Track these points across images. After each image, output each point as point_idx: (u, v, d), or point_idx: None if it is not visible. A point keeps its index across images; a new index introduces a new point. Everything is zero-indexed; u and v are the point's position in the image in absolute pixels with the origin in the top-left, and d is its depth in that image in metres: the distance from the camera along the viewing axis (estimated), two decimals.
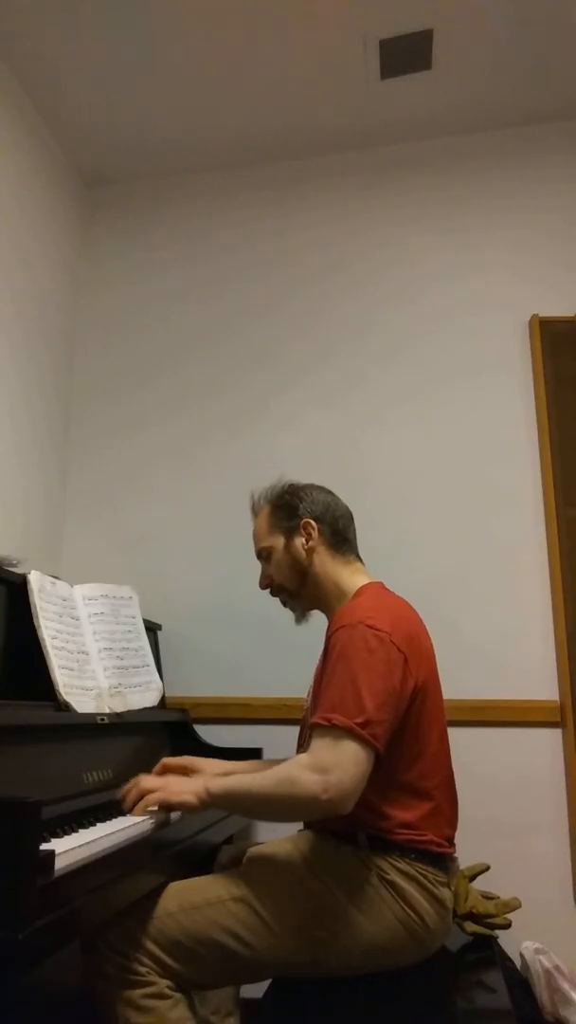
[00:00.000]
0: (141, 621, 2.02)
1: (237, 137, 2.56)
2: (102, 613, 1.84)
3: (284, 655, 2.04)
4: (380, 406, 2.39)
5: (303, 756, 1.20)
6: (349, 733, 1.16)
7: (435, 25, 2.13)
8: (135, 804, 1.28)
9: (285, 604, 1.56)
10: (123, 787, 1.33)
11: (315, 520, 1.49)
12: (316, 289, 2.53)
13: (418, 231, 2.50)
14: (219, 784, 1.25)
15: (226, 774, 1.47)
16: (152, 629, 2.17)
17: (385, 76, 2.30)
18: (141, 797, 1.28)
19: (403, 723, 1.27)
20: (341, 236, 2.56)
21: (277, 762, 1.40)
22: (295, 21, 2.12)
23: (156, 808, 1.30)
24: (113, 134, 2.55)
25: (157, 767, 1.47)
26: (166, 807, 1.28)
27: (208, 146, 2.60)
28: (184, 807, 1.27)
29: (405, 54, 2.22)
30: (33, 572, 1.59)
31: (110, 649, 1.81)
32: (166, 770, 1.45)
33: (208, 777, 1.33)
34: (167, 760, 1.51)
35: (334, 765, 1.14)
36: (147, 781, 1.31)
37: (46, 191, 2.50)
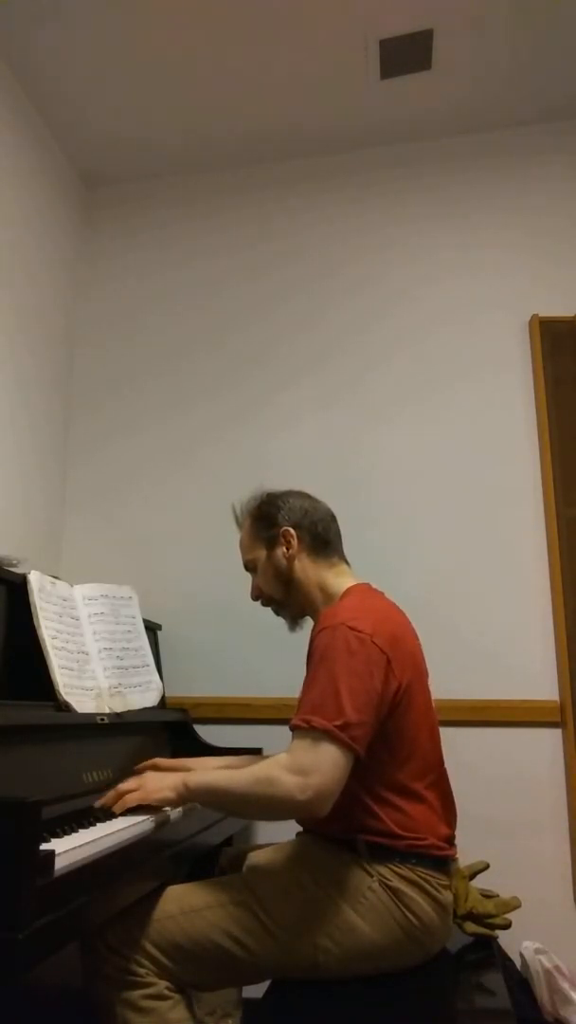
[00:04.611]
0: (141, 621, 2.02)
1: (237, 137, 2.56)
2: (102, 613, 1.84)
3: (284, 655, 2.04)
4: (380, 406, 2.39)
5: (282, 756, 1.19)
6: (328, 735, 1.16)
7: (435, 25, 2.13)
8: (114, 808, 1.28)
9: (277, 613, 1.56)
10: (106, 793, 1.32)
11: (294, 527, 1.48)
12: (316, 289, 2.53)
13: (418, 231, 2.50)
14: (198, 779, 1.26)
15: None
16: (152, 629, 2.17)
17: (385, 76, 2.30)
18: (120, 799, 1.28)
19: (389, 724, 1.27)
20: (341, 236, 2.56)
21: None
22: (295, 21, 2.12)
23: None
24: (113, 134, 2.55)
25: (147, 763, 1.48)
26: (146, 805, 1.28)
27: (208, 146, 2.60)
28: (163, 803, 1.28)
29: (405, 54, 2.22)
30: (33, 572, 1.59)
31: (110, 649, 1.81)
32: (157, 769, 1.45)
33: (189, 772, 1.33)
34: (159, 760, 1.52)
35: (313, 768, 1.14)
36: (125, 783, 1.31)
37: (46, 191, 2.50)
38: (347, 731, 1.16)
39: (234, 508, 1.60)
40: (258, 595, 1.55)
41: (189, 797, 1.26)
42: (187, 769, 1.47)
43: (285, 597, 1.50)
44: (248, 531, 1.55)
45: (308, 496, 1.56)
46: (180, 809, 1.39)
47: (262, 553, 1.51)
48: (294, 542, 1.48)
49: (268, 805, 1.18)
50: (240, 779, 1.20)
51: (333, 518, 1.54)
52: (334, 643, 1.25)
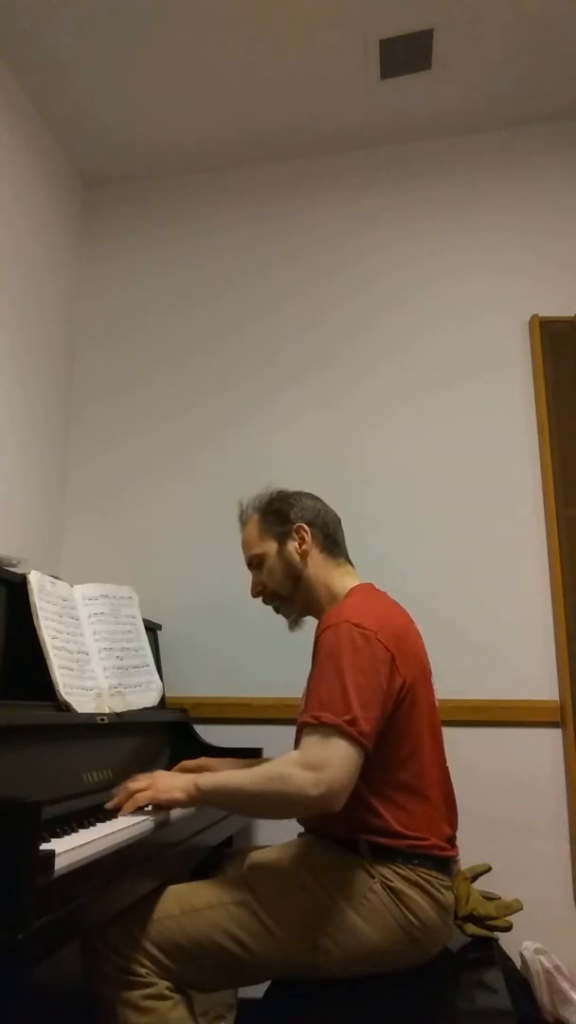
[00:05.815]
0: (141, 621, 2.02)
1: (237, 137, 2.56)
2: (102, 613, 1.84)
3: (284, 655, 2.04)
4: (380, 406, 2.39)
5: (294, 753, 1.20)
6: (338, 731, 1.16)
7: (435, 25, 2.13)
8: (124, 805, 1.28)
9: (278, 611, 1.56)
10: (113, 790, 1.33)
11: (308, 524, 1.50)
12: (316, 289, 2.53)
13: (418, 231, 2.50)
14: (209, 780, 1.25)
15: None
16: (152, 629, 2.17)
17: (385, 76, 2.30)
18: (130, 798, 1.28)
19: (393, 722, 1.27)
20: (341, 236, 2.56)
21: None
22: (295, 21, 2.12)
23: (150, 808, 1.30)
24: (113, 134, 2.55)
25: (176, 767, 1.50)
26: (155, 805, 1.28)
27: (208, 146, 2.60)
28: (173, 804, 1.27)
29: (405, 54, 2.22)
30: (33, 572, 1.59)
31: (110, 649, 1.81)
32: (183, 771, 1.46)
33: (202, 774, 1.33)
34: (185, 763, 1.53)
35: (324, 763, 1.15)
36: (135, 781, 1.31)
37: (46, 191, 2.50)
38: (355, 726, 1.17)
39: (241, 504, 1.60)
40: (261, 591, 1.55)
41: (200, 799, 1.25)
42: (210, 769, 1.48)
43: (292, 593, 1.51)
44: (257, 526, 1.55)
45: (318, 498, 1.58)
46: (182, 809, 1.39)
47: (272, 547, 1.51)
48: (308, 538, 1.49)
49: (281, 802, 1.18)
50: (252, 778, 1.20)
51: (339, 522, 1.57)
52: (339, 640, 1.25)
